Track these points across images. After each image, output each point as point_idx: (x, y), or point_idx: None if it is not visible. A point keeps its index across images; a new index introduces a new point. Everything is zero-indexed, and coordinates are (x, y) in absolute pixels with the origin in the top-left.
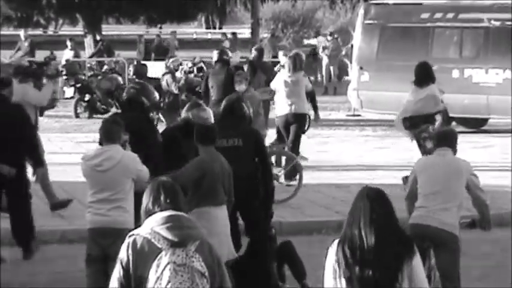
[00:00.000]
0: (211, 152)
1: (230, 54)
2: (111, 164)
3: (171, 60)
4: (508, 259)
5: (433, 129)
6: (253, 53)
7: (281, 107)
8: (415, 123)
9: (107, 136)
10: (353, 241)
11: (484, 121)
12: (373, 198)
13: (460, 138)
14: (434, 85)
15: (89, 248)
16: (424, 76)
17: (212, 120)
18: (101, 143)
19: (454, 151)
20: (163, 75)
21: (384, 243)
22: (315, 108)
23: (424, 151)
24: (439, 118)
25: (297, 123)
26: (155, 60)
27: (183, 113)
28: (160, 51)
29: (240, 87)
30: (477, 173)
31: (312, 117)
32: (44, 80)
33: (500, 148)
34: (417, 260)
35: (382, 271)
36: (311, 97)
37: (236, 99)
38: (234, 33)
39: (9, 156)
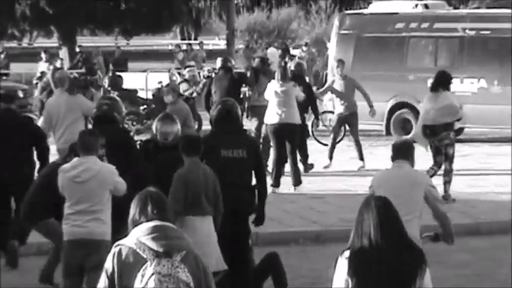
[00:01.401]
0: (195, 162)
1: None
2: (89, 175)
3: (187, 69)
4: (487, 268)
5: (453, 136)
6: (256, 61)
7: (272, 116)
8: (435, 132)
9: (85, 148)
10: (364, 253)
11: (460, 130)
12: (381, 208)
13: None
14: (449, 93)
15: (66, 260)
16: (440, 82)
17: (178, 133)
18: (76, 155)
19: (412, 163)
20: (179, 83)
21: (396, 255)
22: (315, 113)
23: (446, 158)
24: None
25: (288, 134)
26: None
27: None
28: (120, 63)
29: (167, 98)
30: (454, 182)
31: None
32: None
33: (476, 157)
34: (427, 271)
35: (396, 283)
36: (311, 104)
37: (233, 103)
38: (201, 43)
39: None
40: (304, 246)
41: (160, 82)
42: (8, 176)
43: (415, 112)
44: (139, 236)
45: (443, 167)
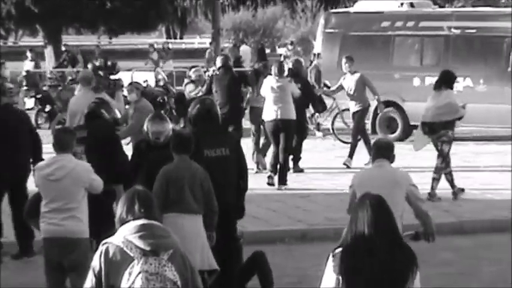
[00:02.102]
0: (183, 159)
1: (161, 64)
2: (63, 173)
3: (193, 69)
4: (470, 267)
5: (452, 134)
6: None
7: (269, 113)
8: (433, 130)
9: (59, 145)
10: (357, 251)
11: None
12: (376, 206)
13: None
14: (452, 92)
15: (46, 257)
16: (443, 81)
17: (170, 132)
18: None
19: (392, 162)
20: (185, 85)
21: (389, 254)
22: (316, 109)
23: (442, 155)
24: (458, 124)
25: (284, 130)
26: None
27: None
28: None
29: (131, 96)
30: (439, 181)
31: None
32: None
33: (461, 155)
34: (418, 273)
35: (388, 282)
36: (311, 101)
37: (212, 102)
38: (166, 43)
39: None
40: (290, 245)
41: (145, 81)
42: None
43: (401, 111)
44: (127, 234)
45: (434, 163)
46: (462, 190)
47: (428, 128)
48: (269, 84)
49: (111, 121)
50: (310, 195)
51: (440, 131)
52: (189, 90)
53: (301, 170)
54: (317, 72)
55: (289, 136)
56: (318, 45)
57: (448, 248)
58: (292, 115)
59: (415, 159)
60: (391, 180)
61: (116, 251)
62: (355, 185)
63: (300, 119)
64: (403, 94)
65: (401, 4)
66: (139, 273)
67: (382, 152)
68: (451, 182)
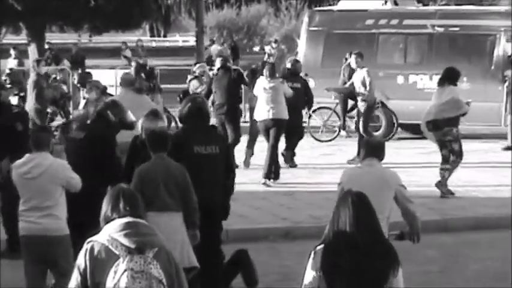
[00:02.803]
0: (159, 157)
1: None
2: (39, 171)
3: (197, 65)
4: (454, 264)
5: (456, 132)
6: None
7: (261, 113)
8: (437, 126)
9: (35, 144)
10: (338, 247)
11: None
12: (358, 203)
13: (406, 144)
14: (456, 88)
15: (25, 256)
16: (446, 77)
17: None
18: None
19: (381, 161)
20: (189, 81)
21: (370, 251)
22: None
23: (453, 153)
24: (462, 120)
25: (275, 128)
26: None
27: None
28: (77, 60)
29: (91, 95)
30: (423, 179)
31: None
32: None
33: None
34: (400, 271)
35: (368, 279)
36: (307, 101)
37: (203, 100)
38: (139, 40)
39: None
40: (274, 242)
41: None
42: None
43: (385, 108)
44: (112, 232)
45: (416, 160)
46: (452, 193)
47: (432, 125)
48: (261, 85)
49: (115, 124)
50: (294, 193)
51: (444, 127)
52: (194, 86)
53: (295, 165)
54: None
55: (279, 134)
56: (302, 44)
57: (431, 246)
58: (285, 115)
59: (398, 156)
60: (380, 179)
61: (101, 249)
62: (344, 182)
63: (298, 118)
64: (387, 92)
65: (385, 2)
66: (125, 271)
67: (373, 151)
68: (446, 179)
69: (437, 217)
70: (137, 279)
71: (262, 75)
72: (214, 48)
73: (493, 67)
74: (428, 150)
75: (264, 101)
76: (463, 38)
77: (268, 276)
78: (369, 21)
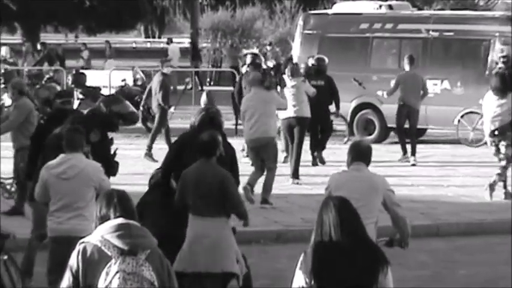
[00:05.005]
0: (202, 162)
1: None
2: (74, 172)
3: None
4: (445, 269)
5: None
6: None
7: (284, 111)
8: (503, 132)
9: (69, 145)
10: (325, 252)
11: (423, 131)
12: (340, 207)
13: (398, 148)
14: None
15: (52, 255)
16: (506, 86)
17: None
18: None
19: (367, 165)
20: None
21: (357, 253)
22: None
23: (507, 159)
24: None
25: (299, 126)
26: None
27: None
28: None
29: (9, 95)
30: (414, 182)
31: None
32: None
33: (438, 158)
34: (389, 272)
35: (356, 282)
36: (334, 98)
37: (217, 111)
38: (107, 41)
39: None
40: (265, 245)
41: (124, 80)
42: None
43: (378, 113)
44: (104, 233)
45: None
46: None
47: (499, 131)
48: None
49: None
50: (287, 196)
51: (507, 133)
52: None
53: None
54: None
55: (303, 132)
56: (296, 47)
57: (423, 250)
58: (307, 113)
59: (391, 159)
60: (368, 184)
61: (94, 250)
62: (332, 187)
63: (324, 115)
64: (380, 96)
65: (380, 6)
66: (117, 272)
67: (361, 155)
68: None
69: (429, 222)
70: (129, 281)
71: (284, 73)
72: (172, 48)
73: (487, 72)
74: (421, 155)
75: (286, 99)
76: (458, 43)
77: (258, 279)
78: (364, 25)
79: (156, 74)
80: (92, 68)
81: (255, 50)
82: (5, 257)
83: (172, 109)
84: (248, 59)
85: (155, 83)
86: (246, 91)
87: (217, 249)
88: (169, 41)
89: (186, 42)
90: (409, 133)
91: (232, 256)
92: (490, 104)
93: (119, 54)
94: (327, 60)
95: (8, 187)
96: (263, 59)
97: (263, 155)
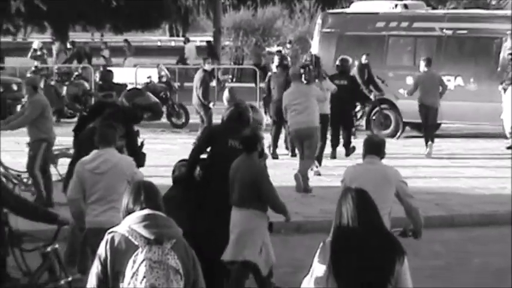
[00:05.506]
0: (244, 157)
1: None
2: (107, 167)
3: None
4: (459, 259)
5: None
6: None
7: None
8: None
9: (102, 140)
10: (344, 242)
11: (437, 126)
12: (358, 198)
13: (414, 142)
14: None
15: (90, 247)
16: None
17: (264, 122)
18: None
19: (381, 158)
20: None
21: (375, 243)
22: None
23: None
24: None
25: (320, 124)
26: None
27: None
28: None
29: (24, 92)
30: (430, 175)
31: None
32: None
33: (452, 152)
34: (406, 261)
35: (375, 273)
36: (358, 97)
37: (245, 107)
38: (125, 40)
39: None
40: (286, 235)
41: (149, 77)
42: None
43: (395, 108)
44: (131, 223)
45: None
46: None
47: None
48: None
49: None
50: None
51: None
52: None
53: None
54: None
55: (325, 128)
56: (315, 45)
57: (437, 241)
58: (327, 110)
59: (406, 153)
60: (382, 176)
61: (121, 239)
62: (347, 180)
63: (346, 113)
64: (396, 92)
65: (396, 5)
66: (143, 260)
67: (374, 148)
68: None
69: (444, 213)
70: (155, 269)
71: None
72: (189, 47)
73: (499, 69)
74: (435, 149)
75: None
76: (471, 41)
77: (279, 269)
78: (380, 24)
79: (198, 71)
80: (113, 66)
81: (279, 48)
82: (56, 246)
83: (211, 105)
84: (276, 61)
85: (196, 79)
86: (274, 91)
87: (242, 239)
88: (187, 40)
89: (204, 41)
90: (428, 128)
91: (254, 247)
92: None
93: (141, 52)
94: (350, 60)
95: (25, 180)
96: (289, 59)
97: (306, 144)
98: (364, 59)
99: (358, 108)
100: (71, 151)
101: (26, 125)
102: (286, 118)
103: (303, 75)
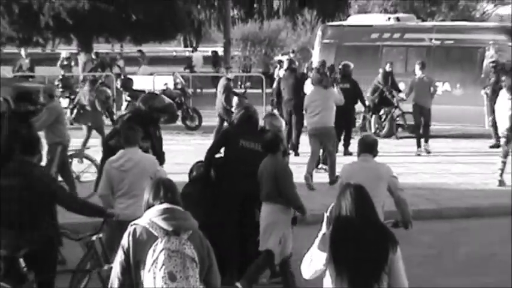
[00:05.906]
0: (270, 157)
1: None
2: (130, 164)
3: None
4: (448, 248)
5: None
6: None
7: None
8: None
9: (126, 141)
10: (342, 232)
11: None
12: (356, 194)
13: (406, 142)
14: None
15: (116, 240)
16: None
17: (283, 127)
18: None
19: (374, 156)
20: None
21: (370, 234)
22: (365, 106)
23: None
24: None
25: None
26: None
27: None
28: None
29: (41, 99)
30: (421, 173)
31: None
32: None
33: (440, 151)
34: (399, 250)
35: (371, 260)
36: (360, 100)
37: (254, 111)
38: (139, 51)
39: None
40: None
41: (165, 84)
42: None
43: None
44: (152, 216)
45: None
46: None
47: None
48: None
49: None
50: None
51: None
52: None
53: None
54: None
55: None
56: (316, 54)
57: (428, 232)
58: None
59: (399, 152)
60: (375, 173)
61: (143, 231)
62: (344, 177)
63: (348, 114)
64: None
65: (389, 18)
66: (162, 250)
67: (367, 148)
68: None
69: (433, 206)
70: (173, 258)
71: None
72: (196, 56)
73: (482, 75)
74: (424, 148)
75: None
76: (457, 50)
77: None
78: (374, 35)
79: (221, 79)
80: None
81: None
82: (101, 235)
83: (233, 109)
84: (285, 65)
85: (220, 86)
86: (284, 92)
87: (265, 231)
88: (194, 50)
89: (220, 51)
90: (424, 127)
91: (273, 237)
92: (505, 102)
93: (156, 61)
94: (352, 65)
95: None
96: (297, 63)
97: (324, 141)
98: (388, 67)
99: (382, 111)
100: (85, 152)
101: (43, 129)
102: (305, 117)
103: (323, 81)
